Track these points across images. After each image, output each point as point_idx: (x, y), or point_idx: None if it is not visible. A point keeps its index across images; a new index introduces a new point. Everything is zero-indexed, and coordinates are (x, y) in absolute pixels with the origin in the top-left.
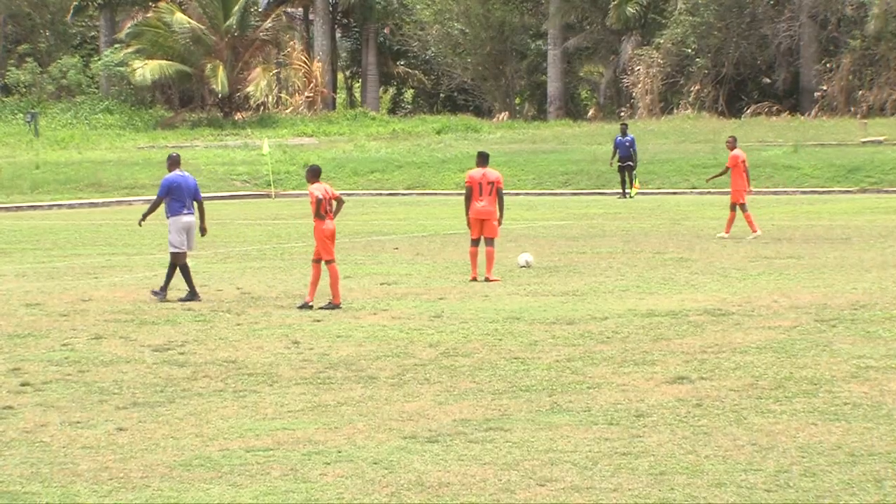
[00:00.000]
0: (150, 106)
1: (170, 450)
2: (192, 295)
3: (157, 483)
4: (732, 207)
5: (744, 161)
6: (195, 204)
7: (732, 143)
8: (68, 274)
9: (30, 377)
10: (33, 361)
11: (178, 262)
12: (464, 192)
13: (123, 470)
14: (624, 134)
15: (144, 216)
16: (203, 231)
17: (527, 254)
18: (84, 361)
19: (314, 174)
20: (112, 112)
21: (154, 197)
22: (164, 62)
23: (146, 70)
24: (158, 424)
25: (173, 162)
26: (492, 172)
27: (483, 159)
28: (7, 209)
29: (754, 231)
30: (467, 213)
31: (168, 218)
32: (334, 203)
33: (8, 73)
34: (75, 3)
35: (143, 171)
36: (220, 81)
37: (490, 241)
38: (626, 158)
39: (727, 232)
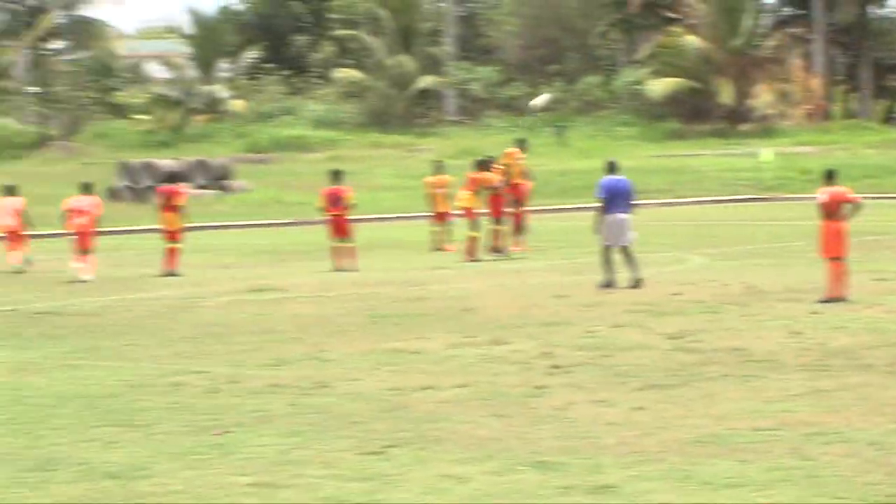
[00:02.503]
0: (662, 119)
1: (683, 428)
2: (638, 282)
3: (672, 457)
4: None
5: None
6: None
7: None
8: (591, 269)
9: (559, 360)
10: (562, 346)
11: (605, 255)
12: None
13: (641, 445)
14: None
15: (596, 220)
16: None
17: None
18: (606, 347)
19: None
20: (629, 125)
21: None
22: (675, 79)
23: (659, 87)
24: (672, 405)
25: (610, 167)
26: None
27: None
28: (536, 211)
29: None
30: None
31: (605, 215)
32: (847, 206)
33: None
34: (600, 27)
35: (653, 177)
36: (727, 96)
37: None
38: None
39: None
